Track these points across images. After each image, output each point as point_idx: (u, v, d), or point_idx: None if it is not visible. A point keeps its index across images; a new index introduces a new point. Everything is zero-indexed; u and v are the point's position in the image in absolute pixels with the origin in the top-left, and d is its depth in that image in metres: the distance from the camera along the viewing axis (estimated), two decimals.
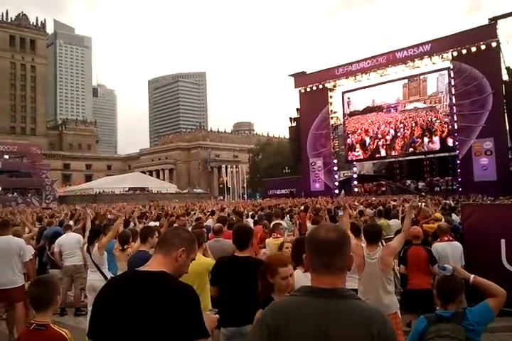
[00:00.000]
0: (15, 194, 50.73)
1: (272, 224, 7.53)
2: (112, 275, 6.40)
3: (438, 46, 35.39)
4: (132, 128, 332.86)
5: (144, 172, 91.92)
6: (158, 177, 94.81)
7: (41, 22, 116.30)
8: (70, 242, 8.25)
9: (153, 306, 1.85)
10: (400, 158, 39.70)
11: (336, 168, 43.29)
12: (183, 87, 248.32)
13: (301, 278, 3.72)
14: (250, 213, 12.82)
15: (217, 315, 2.30)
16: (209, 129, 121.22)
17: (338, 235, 1.67)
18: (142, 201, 41.73)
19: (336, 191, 41.59)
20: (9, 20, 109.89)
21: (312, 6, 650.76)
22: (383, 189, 40.32)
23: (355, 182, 42.64)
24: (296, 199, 28.90)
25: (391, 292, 4.24)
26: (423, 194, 30.99)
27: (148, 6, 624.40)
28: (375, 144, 40.12)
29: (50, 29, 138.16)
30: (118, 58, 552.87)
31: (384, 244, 4.88)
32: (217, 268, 3.85)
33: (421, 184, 38.26)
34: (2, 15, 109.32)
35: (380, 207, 13.07)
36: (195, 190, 78.50)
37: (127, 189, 63.85)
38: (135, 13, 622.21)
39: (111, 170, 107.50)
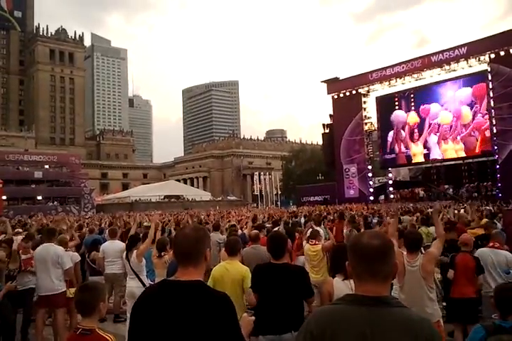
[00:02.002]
0: (55, 202, 52.17)
1: (309, 231, 7.48)
2: (150, 282, 6.50)
3: (475, 48, 34.52)
4: (167, 137, 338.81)
5: (178, 181, 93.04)
6: (192, 185, 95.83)
7: (79, 35, 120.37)
8: (113, 250, 8.35)
9: (190, 316, 1.85)
10: (438, 164, 38.74)
11: (370, 174, 42.66)
12: (216, 96, 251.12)
13: (341, 286, 3.69)
14: (285, 220, 12.77)
15: (253, 317, 2.29)
16: (242, 137, 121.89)
17: (381, 242, 1.64)
18: (177, 209, 42.25)
19: (371, 198, 40.94)
20: (49, 35, 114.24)
21: (345, 11, 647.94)
22: (420, 195, 39.42)
23: (391, 189, 41.87)
24: (330, 206, 28.63)
25: (433, 300, 4.13)
26: (462, 200, 30.10)
27: (181, 17, 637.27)
28: (412, 149, 39.30)
29: (87, 42, 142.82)
30: (153, 69, 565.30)
31: (423, 251, 4.77)
32: (256, 275, 3.83)
33: (459, 190, 37.21)
34: (43, 30, 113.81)
35: (417, 214, 12.81)
36: (228, 197, 78.87)
37: (163, 197, 64.75)
38: (168, 24, 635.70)
39: (147, 179, 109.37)
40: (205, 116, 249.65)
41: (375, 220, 12.21)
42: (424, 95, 38.71)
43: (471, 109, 35.48)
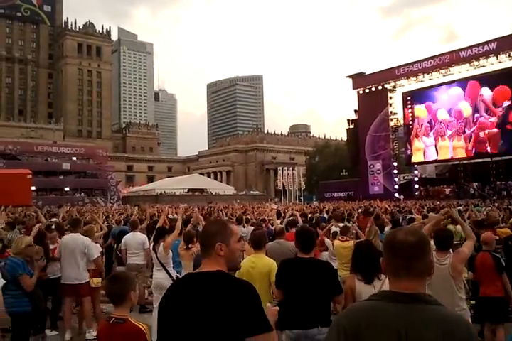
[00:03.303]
0: (82, 194, 53.20)
1: (333, 228, 7.45)
2: (177, 274, 6.59)
3: (505, 44, 33.65)
4: (191, 131, 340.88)
5: (202, 174, 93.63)
6: (216, 178, 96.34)
7: (106, 30, 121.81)
8: (135, 242, 8.49)
9: (214, 304, 1.89)
10: (465, 161, 37.99)
11: (395, 171, 42.16)
12: (240, 90, 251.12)
13: (362, 286, 3.68)
14: (309, 216, 12.74)
15: (277, 307, 2.28)
16: (265, 131, 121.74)
17: (418, 238, 1.62)
18: (201, 202, 42.57)
19: (396, 194, 40.46)
20: (77, 29, 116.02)
21: (371, 5, 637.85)
22: (446, 193, 38.77)
23: (417, 186, 41.27)
24: (354, 202, 28.41)
25: (462, 299, 4.08)
26: (490, 198, 29.44)
27: (207, 11, 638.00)
28: (438, 146, 38.63)
29: (114, 36, 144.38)
30: (178, 63, 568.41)
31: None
32: (283, 270, 3.82)
33: (487, 188, 36.47)
34: (71, 24, 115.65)
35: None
36: (251, 192, 79.01)
37: (187, 190, 65.33)
38: (194, 18, 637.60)
39: (171, 172, 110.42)
40: (229, 110, 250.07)
41: (407, 216, 12.06)
42: (451, 91, 37.94)
43: (501, 106, 34.58)
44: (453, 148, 37.42)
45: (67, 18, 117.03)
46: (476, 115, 35.78)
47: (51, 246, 7.26)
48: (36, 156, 53.68)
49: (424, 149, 39.43)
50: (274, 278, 3.96)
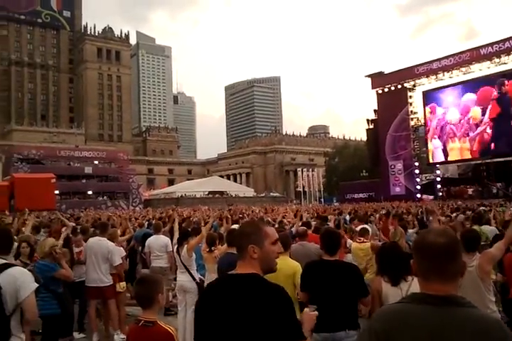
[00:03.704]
0: (104, 197, 53.93)
1: (359, 229, 7.40)
2: (200, 276, 6.64)
3: None
4: (210, 133, 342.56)
5: (222, 177, 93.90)
6: (235, 181, 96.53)
7: (125, 34, 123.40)
8: (158, 244, 8.57)
9: (248, 306, 1.90)
10: (488, 160, 37.29)
11: (417, 171, 41.62)
12: (258, 92, 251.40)
13: (388, 289, 3.65)
14: (330, 217, 12.66)
15: (315, 312, 2.26)
16: (284, 133, 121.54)
17: (448, 240, 1.60)
18: (221, 204, 42.72)
19: (418, 195, 39.95)
20: (96, 34, 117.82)
21: (389, 3, 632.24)
22: (470, 193, 38.12)
23: (439, 186, 40.66)
24: (375, 203, 28.17)
25: (492, 301, 4.02)
26: None
27: (224, 14, 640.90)
28: (461, 145, 38.02)
29: (133, 40, 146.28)
30: (196, 66, 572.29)
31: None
32: (308, 272, 3.82)
33: (511, 188, 35.72)
34: (90, 29, 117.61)
35: (469, 212, 12.41)
36: (271, 193, 78.97)
37: (207, 193, 65.67)
38: (212, 21, 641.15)
39: (191, 175, 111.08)
40: (247, 112, 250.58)
41: (430, 218, 11.89)
42: (469, 89, 37.29)
43: None
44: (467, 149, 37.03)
45: (87, 23, 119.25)
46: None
47: (76, 250, 7.38)
48: (59, 160, 54.61)
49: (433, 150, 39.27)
50: (298, 281, 3.95)
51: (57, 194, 40.27)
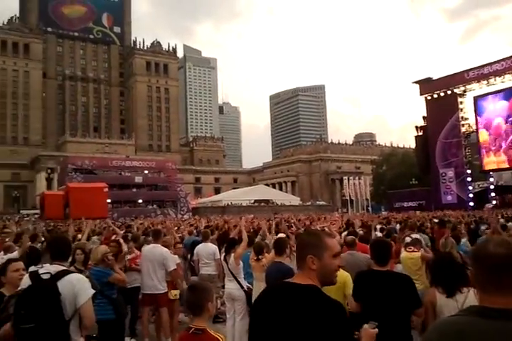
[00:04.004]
0: (154, 205, 55.23)
1: (409, 238, 7.21)
2: (248, 285, 6.65)
3: None
4: (255, 142, 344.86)
5: (267, 185, 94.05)
6: (280, 189, 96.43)
7: (172, 47, 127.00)
8: (206, 252, 8.67)
9: (304, 318, 1.86)
10: None
11: (469, 179, 40.11)
12: (303, 101, 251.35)
13: (443, 300, 3.53)
14: (379, 227, 12.42)
15: (376, 330, 2.19)
16: (329, 141, 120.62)
17: (508, 250, 1.53)
18: (267, 213, 42.75)
19: (471, 203, 38.43)
20: (145, 48, 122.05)
21: (436, 8, 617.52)
22: None
23: (493, 194, 38.98)
24: (426, 212, 27.35)
25: None
26: None
27: (268, 24, 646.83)
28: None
29: (180, 53, 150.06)
30: (241, 76, 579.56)
31: None
32: (359, 283, 3.75)
33: None
34: (139, 44, 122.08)
35: None
36: (317, 202, 78.33)
37: (253, 201, 65.93)
38: (256, 31, 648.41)
39: (237, 183, 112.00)
40: (292, 121, 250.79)
41: (483, 227, 11.42)
42: None
43: None
44: None
45: (136, 38, 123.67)
46: None
47: (128, 257, 7.57)
48: (111, 170, 56.52)
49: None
50: (349, 291, 3.89)
51: (109, 202, 41.55)
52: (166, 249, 7.10)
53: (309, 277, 2.02)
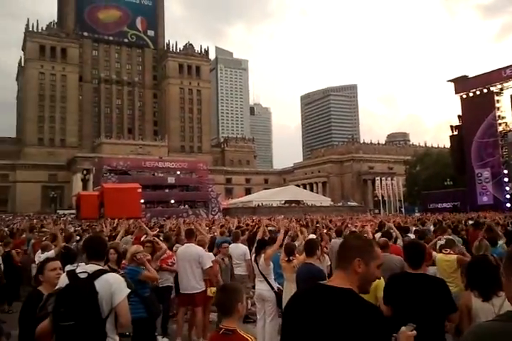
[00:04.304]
0: (186, 206, 55.82)
1: (444, 240, 7.07)
2: (278, 286, 6.66)
3: None
4: (286, 143, 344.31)
5: (298, 186, 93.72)
6: (311, 190, 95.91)
7: (205, 50, 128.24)
8: (237, 253, 8.73)
9: (339, 322, 1.82)
10: None
11: (506, 179, 38.84)
12: (334, 101, 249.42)
13: (479, 304, 3.44)
14: (414, 229, 12.19)
15: (414, 332, 2.16)
16: (361, 141, 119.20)
17: None
18: (297, 214, 42.60)
19: (508, 204, 37.23)
20: (178, 50, 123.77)
21: (471, 4, 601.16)
22: None
23: None
24: (461, 213, 26.68)
25: None
26: None
27: (300, 24, 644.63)
28: None
29: (212, 55, 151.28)
30: (272, 77, 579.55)
31: None
32: (391, 286, 3.69)
33: None
34: (172, 46, 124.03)
35: None
36: (349, 203, 77.50)
37: (283, 202, 65.78)
38: (287, 32, 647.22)
39: (267, 184, 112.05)
40: (323, 121, 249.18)
41: None
42: None
43: None
44: None
45: (169, 41, 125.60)
46: None
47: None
48: (144, 171, 57.46)
49: None
50: (380, 294, 3.85)
51: (142, 203, 42.28)
52: (200, 248, 7.15)
53: (350, 280, 2.00)
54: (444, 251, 6.57)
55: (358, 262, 2.00)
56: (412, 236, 10.11)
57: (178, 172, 59.27)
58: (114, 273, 3.43)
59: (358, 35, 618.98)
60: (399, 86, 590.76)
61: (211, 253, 7.65)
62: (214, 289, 7.23)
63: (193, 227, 9.26)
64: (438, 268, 6.59)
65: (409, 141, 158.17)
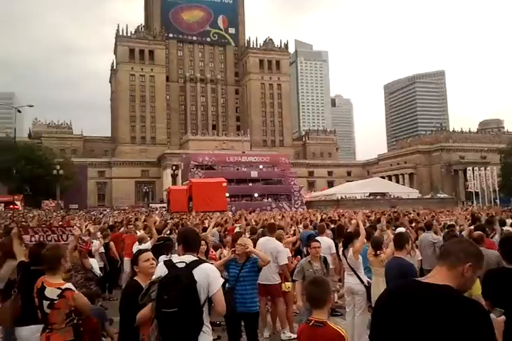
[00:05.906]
0: (269, 199, 56.43)
1: None
2: (368, 279, 6.59)
3: None
4: (369, 134, 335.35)
5: (382, 177, 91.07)
6: (397, 182, 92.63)
7: (284, 44, 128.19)
8: (323, 246, 8.76)
9: (438, 319, 1.78)
10: None
11: None
12: (420, 88, 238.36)
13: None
14: (510, 221, 11.43)
15: (503, 317, 2.08)
16: (451, 130, 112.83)
17: None
18: (383, 206, 41.46)
19: None
20: (258, 46, 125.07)
21: None
22: None
23: None
24: None
25: None
26: None
27: (379, 11, 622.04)
28: None
29: (291, 48, 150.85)
30: (353, 67, 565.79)
31: None
32: (491, 280, 3.50)
33: None
34: (252, 43, 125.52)
35: None
36: (438, 194, 73.87)
37: (368, 194, 64.27)
38: (367, 20, 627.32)
39: (350, 176, 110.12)
40: (408, 110, 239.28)
41: None
42: None
43: None
44: None
45: (249, 37, 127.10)
46: None
47: None
48: (228, 166, 58.85)
49: None
50: (476, 292, 3.69)
51: (227, 196, 43.39)
52: (279, 242, 7.28)
53: (452, 280, 1.96)
54: None
55: (469, 267, 1.98)
56: (510, 229, 9.53)
57: (261, 166, 59.95)
58: (209, 264, 3.60)
59: (445, 18, 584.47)
60: (493, 70, 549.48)
61: (287, 249, 7.71)
62: (289, 284, 7.35)
63: (274, 222, 9.42)
64: None
65: (503, 127, 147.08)
